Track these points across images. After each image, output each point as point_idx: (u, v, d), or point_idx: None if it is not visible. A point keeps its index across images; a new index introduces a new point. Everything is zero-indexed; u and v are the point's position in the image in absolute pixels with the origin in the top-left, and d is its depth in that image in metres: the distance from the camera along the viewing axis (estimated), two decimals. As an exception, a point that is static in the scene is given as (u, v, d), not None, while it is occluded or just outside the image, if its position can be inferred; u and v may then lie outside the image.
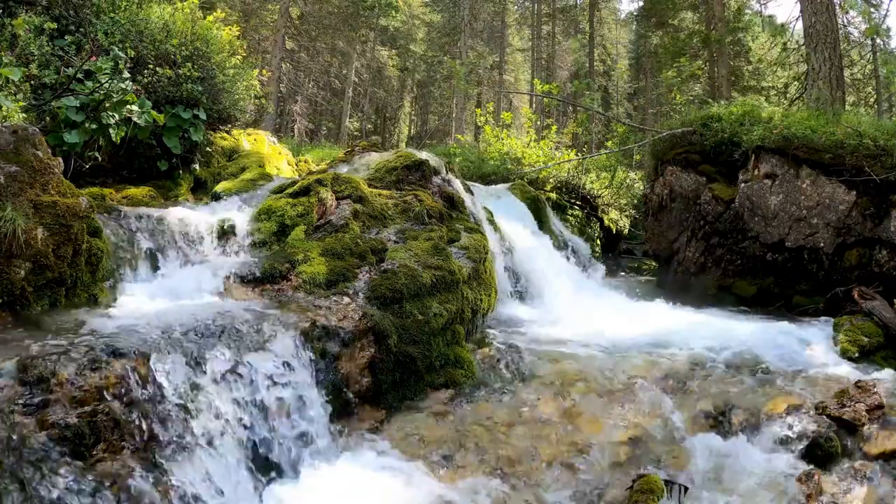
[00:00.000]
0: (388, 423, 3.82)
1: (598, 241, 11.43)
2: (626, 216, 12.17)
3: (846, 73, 12.02)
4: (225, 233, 4.90)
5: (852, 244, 6.36)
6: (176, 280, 4.31)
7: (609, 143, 12.90)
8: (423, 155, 6.79)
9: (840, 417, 3.52)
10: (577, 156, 12.26)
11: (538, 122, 15.01)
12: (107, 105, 5.11)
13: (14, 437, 2.26)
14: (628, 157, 12.90)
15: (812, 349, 4.86)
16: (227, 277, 4.35)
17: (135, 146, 5.99)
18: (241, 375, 3.20)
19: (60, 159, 3.77)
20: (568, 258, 8.51)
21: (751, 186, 7.21)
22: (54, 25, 5.40)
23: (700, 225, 7.82)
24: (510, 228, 7.38)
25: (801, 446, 3.39)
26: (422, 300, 4.45)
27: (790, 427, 3.54)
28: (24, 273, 3.23)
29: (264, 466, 3.09)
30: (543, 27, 33.26)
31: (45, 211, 3.40)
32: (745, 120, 7.66)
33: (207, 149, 7.44)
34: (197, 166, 7.14)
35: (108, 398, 2.57)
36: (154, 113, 5.47)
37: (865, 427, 3.48)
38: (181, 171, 6.84)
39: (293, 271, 4.42)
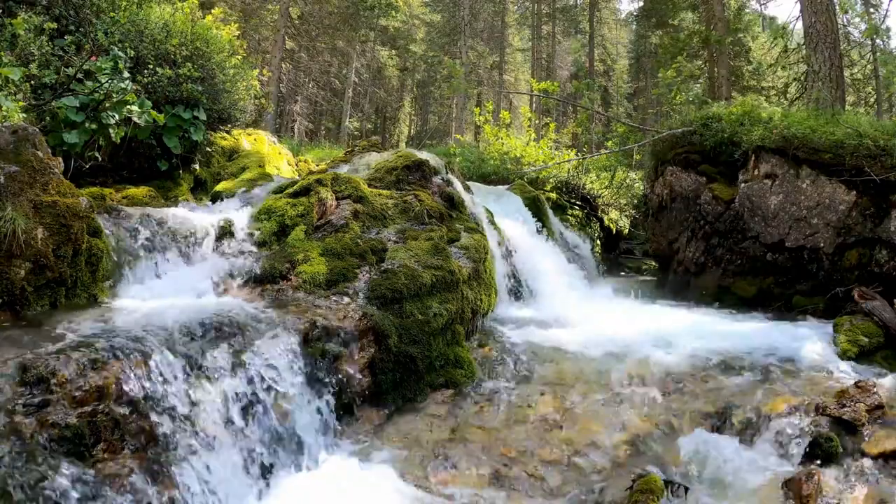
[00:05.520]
0: (388, 424, 3.82)
1: (598, 241, 11.42)
2: (626, 216, 12.16)
3: (846, 73, 12.03)
4: (225, 233, 4.90)
5: (852, 244, 6.36)
6: (176, 280, 4.31)
7: (609, 143, 12.88)
8: (423, 155, 6.79)
9: (840, 417, 3.52)
10: (577, 156, 12.24)
11: (536, 122, 14.98)
12: (107, 105, 5.11)
13: (14, 437, 2.26)
14: (628, 157, 12.88)
15: (812, 349, 4.85)
16: (227, 277, 4.35)
17: (135, 146, 5.99)
18: (240, 375, 3.20)
19: (60, 159, 3.77)
20: (568, 258, 8.50)
21: (751, 186, 7.21)
22: (54, 25, 5.39)
23: (700, 225, 7.82)
24: (510, 228, 7.37)
25: (802, 446, 3.39)
26: (422, 300, 4.45)
27: (790, 427, 3.54)
28: (24, 273, 3.23)
29: (263, 467, 3.08)
30: (543, 27, 33.27)
31: (45, 211, 3.40)
32: (745, 120, 7.65)
33: (207, 149, 7.44)
34: (197, 166, 7.15)
35: (108, 398, 2.57)
36: (154, 113, 5.47)
37: (865, 427, 3.47)
38: (181, 171, 6.84)
39: (293, 271, 4.42)
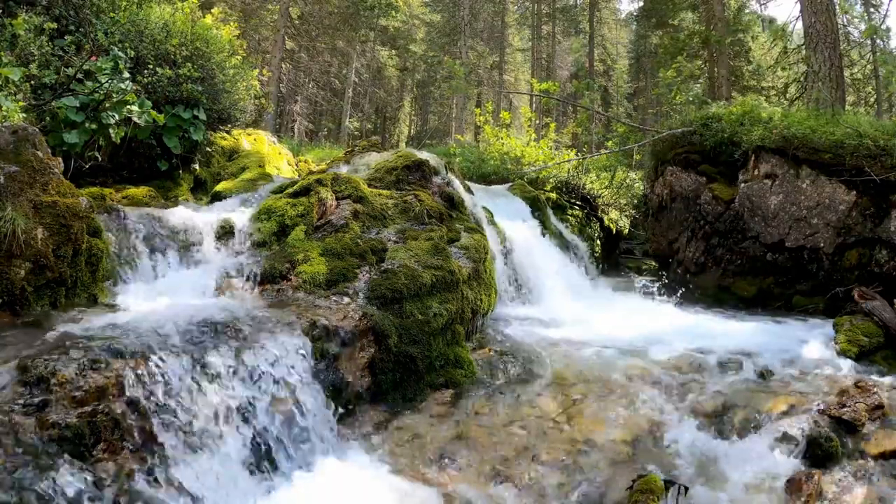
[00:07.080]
0: (388, 424, 3.82)
1: (598, 241, 11.42)
2: (626, 216, 12.15)
3: (846, 73, 12.03)
4: (225, 233, 4.90)
5: (852, 244, 6.36)
6: (176, 280, 4.31)
7: (609, 143, 12.88)
8: (423, 155, 6.79)
9: (840, 417, 3.52)
10: (577, 156, 12.24)
11: (536, 122, 14.98)
12: (107, 105, 5.11)
13: (14, 437, 2.26)
14: (628, 157, 12.88)
15: (812, 349, 4.86)
16: (227, 277, 4.35)
17: (135, 146, 6.00)
18: (239, 376, 3.20)
19: (60, 159, 3.77)
20: (568, 258, 8.50)
21: (751, 186, 7.21)
22: (54, 25, 5.39)
23: (700, 225, 7.82)
24: (510, 228, 7.37)
25: (801, 446, 3.39)
26: (422, 300, 4.45)
27: (790, 427, 3.54)
28: (24, 273, 3.23)
29: (263, 467, 3.08)
30: (543, 27, 33.29)
31: (45, 211, 3.40)
32: (745, 120, 7.66)
33: (207, 149, 7.44)
34: (197, 166, 7.15)
35: (108, 398, 2.57)
36: (154, 113, 5.47)
37: (865, 427, 3.48)
38: (181, 171, 6.85)
39: (293, 271, 4.42)
